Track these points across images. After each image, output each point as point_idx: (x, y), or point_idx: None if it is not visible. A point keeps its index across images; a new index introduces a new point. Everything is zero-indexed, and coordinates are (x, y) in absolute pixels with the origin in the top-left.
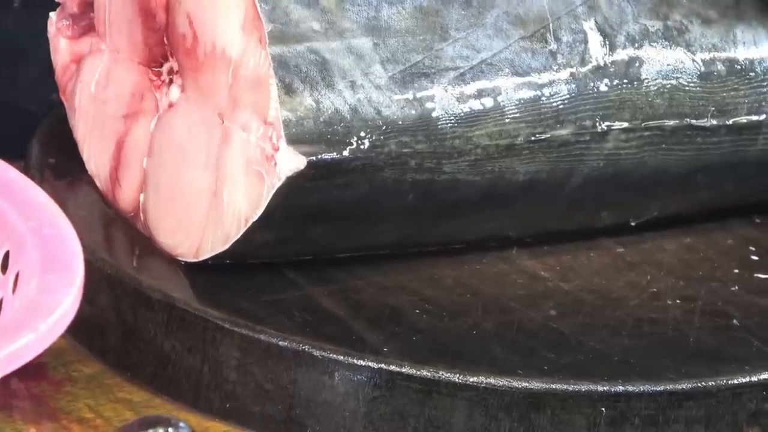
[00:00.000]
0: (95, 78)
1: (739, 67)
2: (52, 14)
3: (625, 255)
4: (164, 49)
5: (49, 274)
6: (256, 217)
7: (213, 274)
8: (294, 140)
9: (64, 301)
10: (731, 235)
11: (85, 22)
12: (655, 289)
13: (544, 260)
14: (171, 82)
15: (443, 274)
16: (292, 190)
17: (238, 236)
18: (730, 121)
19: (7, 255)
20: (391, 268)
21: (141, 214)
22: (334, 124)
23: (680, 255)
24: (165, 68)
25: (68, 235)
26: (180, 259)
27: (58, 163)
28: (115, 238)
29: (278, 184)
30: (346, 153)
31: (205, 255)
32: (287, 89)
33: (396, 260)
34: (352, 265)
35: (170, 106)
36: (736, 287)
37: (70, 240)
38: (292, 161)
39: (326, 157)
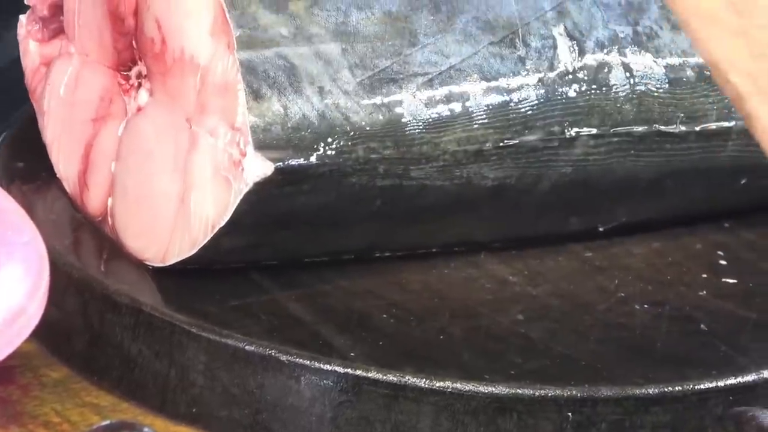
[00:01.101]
0: (64, 81)
1: (708, 73)
2: (22, 17)
3: (594, 259)
4: (133, 53)
5: (14, 279)
6: (223, 223)
7: (180, 279)
8: (262, 146)
9: (29, 307)
10: (700, 239)
11: (55, 25)
12: (623, 294)
13: (512, 265)
14: (140, 86)
15: (411, 278)
16: (259, 196)
17: (205, 242)
18: (699, 128)
19: None
20: (358, 272)
21: (109, 218)
22: (301, 129)
23: (649, 259)
24: (134, 72)
25: (33, 239)
26: (147, 263)
27: (26, 167)
28: (83, 242)
29: (245, 190)
30: (313, 159)
31: (173, 260)
32: (255, 95)
33: (364, 264)
34: (320, 270)
35: (139, 110)
36: (704, 292)
37: (35, 245)
38: (259, 167)
39: (294, 162)
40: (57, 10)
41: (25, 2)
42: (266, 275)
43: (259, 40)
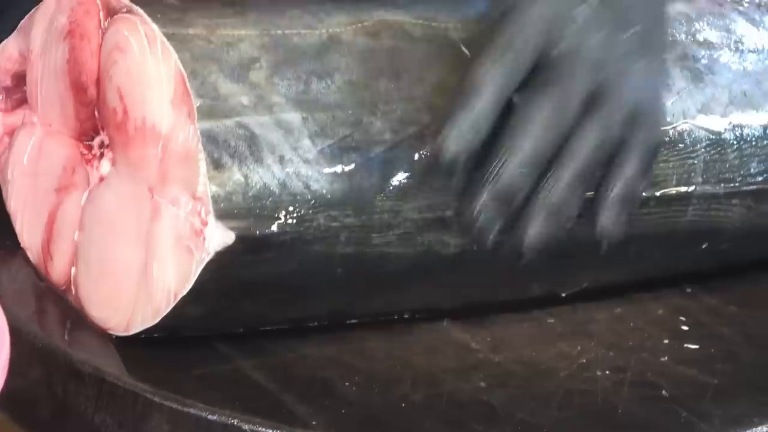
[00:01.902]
0: (27, 151)
1: (668, 138)
2: None
3: (556, 326)
4: (95, 122)
5: None
6: (185, 292)
7: (144, 348)
8: (223, 215)
9: None
10: (662, 304)
11: (18, 95)
12: (584, 360)
13: (474, 331)
14: (102, 155)
15: (374, 345)
16: (221, 264)
17: (168, 311)
18: (659, 193)
19: None
20: (321, 339)
21: (72, 288)
22: (262, 198)
23: (611, 325)
24: (96, 142)
25: None
26: (111, 332)
27: None
28: (47, 311)
29: (207, 259)
30: (274, 228)
31: (136, 329)
32: (216, 164)
33: (327, 332)
34: (283, 338)
35: (101, 179)
36: (666, 358)
37: None
38: (220, 236)
39: (255, 231)
40: (20, 80)
41: None
42: (229, 344)
43: (219, 109)
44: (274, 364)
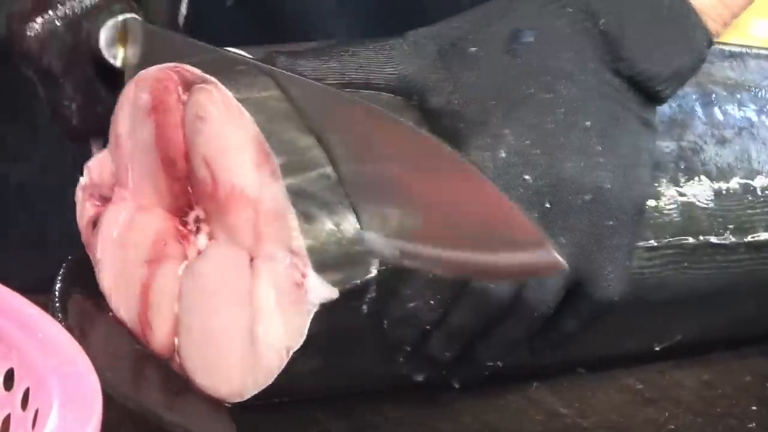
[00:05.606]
0: (118, 226)
1: (752, 187)
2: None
3: (644, 391)
4: (189, 198)
5: (67, 413)
6: (297, 346)
7: (237, 413)
8: (321, 266)
9: None
10: (749, 371)
11: (108, 194)
12: (673, 426)
13: (562, 396)
14: (198, 230)
15: (462, 409)
16: (327, 314)
17: (282, 368)
18: (748, 238)
19: (27, 392)
20: (411, 402)
21: (177, 357)
22: (357, 243)
23: (698, 391)
24: (191, 217)
25: (87, 373)
26: (224, 401)
27: (82, 299)
28: (137, 374)
29: (313, 311)
30: (373, 270)
31: (249, 394)
32: (306, 217)
33: (418, 394)
34: (374, 401)
35: (199, 253)
36: (754, 424)
37: (88, 378)
38: (321, 287)
39: (355, 278)
40: (111, 177)
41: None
42: (323, 409)
43: (300, 163)
44: (363, 427)
